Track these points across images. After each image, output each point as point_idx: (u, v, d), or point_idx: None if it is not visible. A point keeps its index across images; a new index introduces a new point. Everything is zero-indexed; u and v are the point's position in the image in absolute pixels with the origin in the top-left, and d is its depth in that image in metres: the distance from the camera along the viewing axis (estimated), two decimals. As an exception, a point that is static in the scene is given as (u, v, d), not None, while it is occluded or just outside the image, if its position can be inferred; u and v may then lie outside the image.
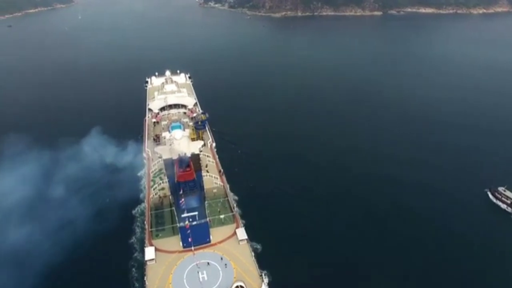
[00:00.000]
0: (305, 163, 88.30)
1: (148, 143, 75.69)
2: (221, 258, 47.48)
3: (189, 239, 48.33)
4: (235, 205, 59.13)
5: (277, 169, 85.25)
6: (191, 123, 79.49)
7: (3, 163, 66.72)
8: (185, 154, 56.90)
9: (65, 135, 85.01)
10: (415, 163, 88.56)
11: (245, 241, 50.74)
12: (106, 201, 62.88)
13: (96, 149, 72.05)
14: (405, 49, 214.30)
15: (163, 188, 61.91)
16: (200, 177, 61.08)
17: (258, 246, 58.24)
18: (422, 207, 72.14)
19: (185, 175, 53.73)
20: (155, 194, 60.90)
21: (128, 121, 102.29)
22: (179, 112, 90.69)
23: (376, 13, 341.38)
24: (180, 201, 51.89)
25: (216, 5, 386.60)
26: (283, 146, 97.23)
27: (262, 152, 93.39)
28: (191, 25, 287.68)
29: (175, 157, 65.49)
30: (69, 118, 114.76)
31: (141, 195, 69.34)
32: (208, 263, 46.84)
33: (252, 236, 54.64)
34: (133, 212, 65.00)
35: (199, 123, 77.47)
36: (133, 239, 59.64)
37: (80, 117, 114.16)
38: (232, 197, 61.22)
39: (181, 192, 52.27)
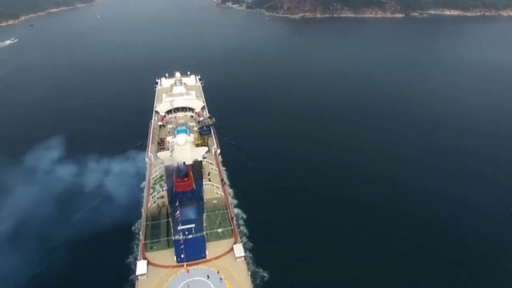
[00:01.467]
0: (324, 178, 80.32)
1: (151, 148, 73.74)
2: (216, 276, 44.58)
3: (182, 255, 45.66)
4: (235, 218, 56.05)
5: (288, 181, 78.70)
6: (195, 128, 76.97)
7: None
8: (183, 162, 54.23)
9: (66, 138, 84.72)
10: (437, 172, 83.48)
11: (242, 258, 47.60)
12: (103, 218, 57.65)
13: (98, 159, 69.58)
14: (429, 53, 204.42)
15: (162, 197, 59.50)
16: (200, 186, 58.52)
17: (264, 273, 53.28)
18: (442, 219, 68.02)
19: (182, 185, 51.20)
20: (154, 202, 58.60)
21: (135, 124, 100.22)
22: (186, 116, 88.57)
23: (397, 15, 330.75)
24: (176, 213, 49.29)
25: (234, 6, 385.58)
26: (296, 155, 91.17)
27: (272, 160, 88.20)
28: (208, 26, 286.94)
29: (180, 161, 63.58)
30: (74, 121, 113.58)
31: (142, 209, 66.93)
32: (201, 281, 44.05)
33: (255, 257, 52.23)
34: (133, 228, 59.92)
35: (205, 128, 74.94)
36: (130, 258, 53.95)
37: (86, 119, 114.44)
38: (232, 209, 58.26)
39: (177, 203, 49.66)
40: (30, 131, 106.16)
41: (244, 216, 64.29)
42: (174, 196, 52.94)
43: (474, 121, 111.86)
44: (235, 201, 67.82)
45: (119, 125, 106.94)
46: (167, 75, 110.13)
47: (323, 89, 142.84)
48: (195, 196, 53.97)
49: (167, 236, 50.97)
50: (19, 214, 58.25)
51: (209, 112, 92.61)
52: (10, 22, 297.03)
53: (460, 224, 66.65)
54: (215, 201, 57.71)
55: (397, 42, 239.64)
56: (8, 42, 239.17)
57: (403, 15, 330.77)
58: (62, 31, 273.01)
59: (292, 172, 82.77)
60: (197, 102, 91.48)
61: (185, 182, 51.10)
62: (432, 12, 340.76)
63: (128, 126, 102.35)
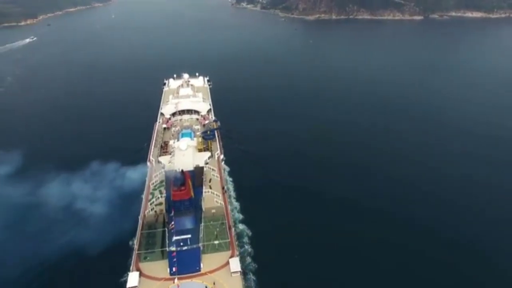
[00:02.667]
0: (344, 191, 74.33)
1: (153, 151, 72.10)
2: None
3: (174, 269, 43.56)
4: (233, 229, 53.52)
5: (299, 191, 73.66)
6: (198, 132, 75.00)
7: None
8: (181, 170, 52.09)
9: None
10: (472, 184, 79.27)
11: (238, 273, 45.11)
12: (98, 234, 53.91)
13: (98, 168, 67.64)
14: (450, 57, 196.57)
15: (161, 203, 57.52)
16: (199, 194, 56.42)
17: None
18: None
19: (179, 194, 49.15)
20: (151, 209, 56.76)
21: (141, 126, 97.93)
22: (191, 118, 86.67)
23: (416, 17, 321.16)
24: (170, 224, 47.26)
25: (248, 6, 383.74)
26: (307, 161, 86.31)
27: (282, 167, 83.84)
28: (221, 26, 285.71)
29: (178, 169, 61.69)
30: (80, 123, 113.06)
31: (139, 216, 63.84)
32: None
33: (256, 274, 49.43)
34: (130, 243, 54.44)
35: (208, 132, 73.07)
36: (125, 277, 47.49)
37: (94, 118, 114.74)
38: (231, 219, 55.73)
39: (171, 213, 47.62)
40: (40, 129, 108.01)
41: (249, 233, 60.44)
42: (171, 205, 51.10)
43: (506, 131, 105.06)
44: (240, 216, 64.18)
45: (126, 126, 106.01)
46: (175, 76, 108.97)
47: (338, 93, 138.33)
48: (193, 205, 51.88)
49: (162, 246, 48.99)
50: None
51: (215, 115, 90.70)
52: (29, 22, 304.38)
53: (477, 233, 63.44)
54: (213, 211, 55.31)
55: (416, 45, 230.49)
56: (27, 40, 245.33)
57: (422, 17, 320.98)
58: (77, 30, 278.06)
59: (304, 182, 77.72)
60: (203, 105, 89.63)
61: (182, 191, 49.01)
62: (453, 14, 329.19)
63: (134, 128, 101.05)
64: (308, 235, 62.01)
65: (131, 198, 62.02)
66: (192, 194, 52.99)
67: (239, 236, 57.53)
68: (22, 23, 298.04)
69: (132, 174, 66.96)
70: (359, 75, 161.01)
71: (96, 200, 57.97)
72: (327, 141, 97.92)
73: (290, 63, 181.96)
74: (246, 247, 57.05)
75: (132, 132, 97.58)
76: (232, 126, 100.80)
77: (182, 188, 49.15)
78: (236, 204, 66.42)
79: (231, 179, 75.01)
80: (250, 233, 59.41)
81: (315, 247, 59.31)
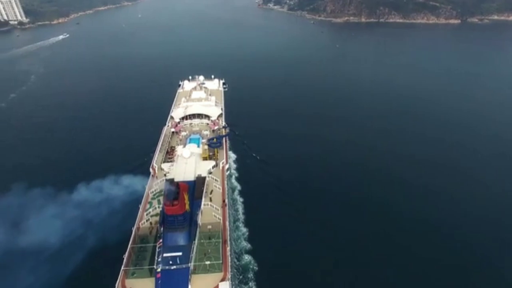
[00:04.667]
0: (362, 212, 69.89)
1: (158, 157, 69.20)
2: None
3: None
4: (229, 248, 49.29)
5: (310, 209, 68.90)
6: (204, 140, 71.49)
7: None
8: (176, 184, 48.44)
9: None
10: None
11: (227, 299, 41.02)
12: (89, 245, 51.86)
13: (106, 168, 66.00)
14: (491, 65, 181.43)
15: (157, 214, 54.19)
16: (197, 208, 52.75)
17: None
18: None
19: (172, 209, 45.64)
20: (147, 220, 53.70)
21: (154, 130, 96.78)
22: (201, 123, 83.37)
23: (453, 21, 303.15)
24: (158, 242, 43.85)
25: (275, 7, 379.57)
26: (323, 178, 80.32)
27: (300, 187, 77.88)
28: (245, 27, 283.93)
29: (179, 178, 58.49)
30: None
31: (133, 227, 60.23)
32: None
33: None
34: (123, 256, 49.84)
35: (215, 140, 69.32)
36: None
37: (108, 117, 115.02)
38: (228, 236, 51.46)
39: (161, 230, 44.16)
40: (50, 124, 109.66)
41: (255, 267, 56.13)
42: (164, 218, 47.80)
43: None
44: (247, 245, 59.81)
45: (139, 129, 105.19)
46: (190, 77, 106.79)
47: (364, 102, 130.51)
48: (187, 220, 48.14)
49: (151, 262, 45.69)
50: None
51: (228, 120, 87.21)
52: (60, 20, 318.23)
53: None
54: (209, 227, 51.21)
55: (453, 52, 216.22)
56: (61, 37, 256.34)
57: (459, 21, 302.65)
58: (103, 30, 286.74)
59: (319, 199, 72.42)
60: (215, 109, 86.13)
61: (174, 206, 45.41)
62: (495, 17, 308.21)
63: (145, 131, 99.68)
64: (319, 258, 56.91)
65: (131, 207, 59.81)
66: (188, 207, 49.30)
67: (243, 270, 53.52)
68: (55, 22, 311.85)
69: (135, 180, 64.77)
70: (388, 83, 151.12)
71: (92, 208, 55.73)
72: (355, 158, 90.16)
73: (313, 68, 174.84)
74: (251, 284, 53.09)
75: (143, 135, 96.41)
76: (245, 133, 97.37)
77: (175, 202, 45.53)
78: (244, 230, 62.32)
79: (241, 199, 71.66)
80: (256, 268, 54.95)
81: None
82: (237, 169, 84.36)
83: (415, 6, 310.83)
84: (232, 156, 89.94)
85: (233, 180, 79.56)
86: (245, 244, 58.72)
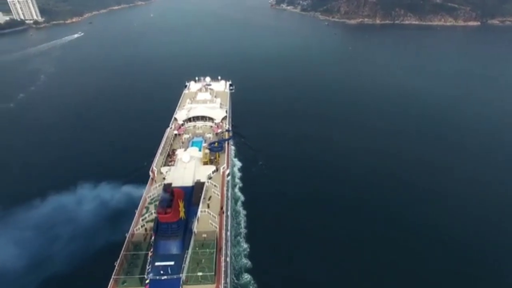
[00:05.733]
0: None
1: (158, 160, 67.76)
2: None
3: None
4: (223, 260, 47.26)
5: (319, 227, 64.02)
6: (205, 144, 69.77)
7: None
8: (170, 191, 46.71)
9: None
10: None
11: (218, 315, 38.96)
12: (82, 251, 50.64)
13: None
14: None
15: (153, 220, 52.89)
16: (193, 215, 50.87)
17: None
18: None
19: (165, 216, 43.97)
20: (142, 226, 52.14)
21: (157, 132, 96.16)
22: (205, 125, 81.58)
23: (472, 23, 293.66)
24: (150, 251, 42.24)
25: (288, 7, 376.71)
26: (336, 192, 75.24)
27: (304, 194, 74.45)
28: (257, 28, 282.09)
29: (178, 183, 56.95)
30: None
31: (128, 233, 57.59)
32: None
33: None
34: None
35: (216, 144, 67.48)
36: None
37: (114, 119, 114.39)
38: (224, 247, 49.39)
39: (151, 239, 42.52)
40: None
41: (252, 269, 53.86)
42: (158, 225, 46.23)
43: None
44: (248, 263, 56.68)
45: (143, 131, 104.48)
46: (197, 78, 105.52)
47: (377, 105, 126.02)
48: (182, 228, 46.39)
49: (142, 271, 44.10)
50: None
51: (234, 123, 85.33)
52: (74, 20, 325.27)
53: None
54: (204, 235, 49.18)
55: (472, 55, 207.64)
56: (76, 35, 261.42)
57: (478, 23, 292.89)
58: (115, 29, 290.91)
59: (330, 216, 67.50)
60: (219, 112, 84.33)
61: (167, 214, 43.72)
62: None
63: (149, 133, 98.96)
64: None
65: (129, 211, 58.51)
66: (183, 215, 47.55)
67: None
68: (68, 21, 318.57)
69: (134, 184, 63.71)
70: (402, 87, 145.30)
71: (87, 211, 54.80)
72: (370, 167, 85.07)
73: (323, 71, 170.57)
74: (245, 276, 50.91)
75: (148, 136, 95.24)
76: (252, 138, 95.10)
77: (168, 210, 43.83)
78: (245, 246, 59.45)
79: (244, 211, 68.60)
80: (250, 265, 53.04)
81: None
82: (241, 178, 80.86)
83: (432, 8, 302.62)
84: (237, 164, 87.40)
85: (237, 190, 76.49)
86: (245, 262, 55.86)
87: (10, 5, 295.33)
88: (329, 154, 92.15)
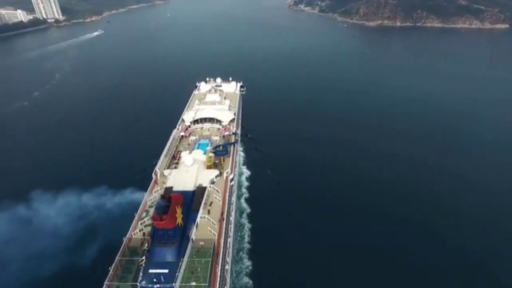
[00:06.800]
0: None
1: (162, 161, 66.44)
2: None
3: None
4: (220, 270, 45.19)
5: (331, 249, 58.92)
6: (209, 147, 68.03)
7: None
8: (167, 197, 45.12)
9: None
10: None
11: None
12: (77, 256, 49.49)
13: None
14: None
15: (151, 224, 51.56)
16: (191, 221, 49.18)
17: None
18: None
19: (160, 223, 42.43)
20: (140, 230, 50.82)
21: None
22: (212, 127, 79.91)
23: (499, 26, 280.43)
24: (141, 259, 40.74)
25: (306, 8, 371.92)
26: (353, 208, 70.32)
27: (316, 208, 70.05)
28: (273, 29, 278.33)
29: (179, 187, 55.51)
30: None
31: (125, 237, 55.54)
32: None
33: None
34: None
35: (221, 148, 65.61)
36: None
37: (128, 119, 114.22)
38: (222, 255, 47.37)
39: (145, 246, 41.00)
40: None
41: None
42: (154, 231, 44.82)
43: None
44: (249, 282, 53.77)
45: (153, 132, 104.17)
46: (207, 79, 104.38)
47: (395, 114, 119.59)
48: (178, 235, 44.81)
49: (135, 278, 42.70)
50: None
51: (243, 125, 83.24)
52: (93, 18, 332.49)
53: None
54: (202, 243, 47.26)
55: (501, 61, 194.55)
56: (95, 33, 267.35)
57: (507, 25, 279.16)
58: (132, 28, 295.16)
59: (345, 237, 62.67)
60: (227, 114, 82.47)
61: (163, 221, 42.13)
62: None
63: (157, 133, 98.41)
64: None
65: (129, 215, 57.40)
66: (180, 221, 45.91)
67: None
68: (88, 20, 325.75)
69: (137, 186, 62.70)
70: (422, 96, 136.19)
71: (86, 213, 54.03)
72: (392, 179, 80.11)
73: (340, 75, 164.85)
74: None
75: (156, 137, 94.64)
76: (262, 142, 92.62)
77: (164, 216, 42.26)
78: (248, 264, 56.46)
79: (249, 225, 65.64)
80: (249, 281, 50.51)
81: None
82: (248, 188, 77.43)
83: (457, 10, 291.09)
84: (246, 172, 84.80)
85: (243, 201, 73.75)
86: (247, 281, 53.19)
87: (34, 5, 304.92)
88: (346, 162, 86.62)
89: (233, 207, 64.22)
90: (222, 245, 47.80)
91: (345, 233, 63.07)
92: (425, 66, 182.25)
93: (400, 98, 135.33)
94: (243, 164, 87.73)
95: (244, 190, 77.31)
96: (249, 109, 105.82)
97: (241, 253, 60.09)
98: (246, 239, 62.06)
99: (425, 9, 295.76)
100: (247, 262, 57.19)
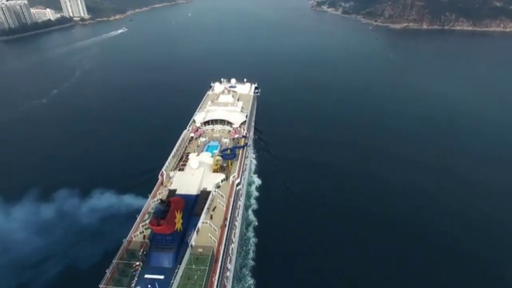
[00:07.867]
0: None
1: (170, 162, 65.46)
2: None
3: None
4: (217, 279, 43.38)
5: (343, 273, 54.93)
6: (216, 151, 66.41)
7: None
8: (166, 203, 43.79)
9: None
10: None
11: None
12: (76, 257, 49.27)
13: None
14: None
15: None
16: (192, 227, 47.73)
17: None
18: None
19: (158, 228, 41.17)
20: (141, 232, 49.71)
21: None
22: (223, 129, 78.37)
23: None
24: (135, 264, 39.62)
25: (329, 9, 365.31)
26: (371, 226, 65.25)
27: (330, 225, 65.43)
28: (295, 30, 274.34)
29: (182, 190, 54.32)
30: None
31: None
32: None
33: None
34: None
35: (228, 151, 63.91)
36: None
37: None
38: (221, 264, 45.52)
39: (141, 252, 39.88)
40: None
41: None
42: (153, 235, 43.75)
43: None
44: (251, 282, 52.04)
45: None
46: (222, 79, 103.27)
47: (419, 125, 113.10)
48: (177, 240, 43.58)
49: (130, 283, 41.60)
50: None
51: (256, 127, 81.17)
52: (117, 17, 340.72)
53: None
54: (200, 250, 45.53)
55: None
56: (118, 31, 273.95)
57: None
58: (154, 27, 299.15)
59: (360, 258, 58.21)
60: (238, 116, 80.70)
61: (160, 226, 40.86)
62: None
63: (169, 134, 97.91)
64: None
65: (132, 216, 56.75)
66: (180, 226, 44.62)
67: None
68: (111, 18, 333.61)
69: (143, 188, 61.92)
70: (452, 104, 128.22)
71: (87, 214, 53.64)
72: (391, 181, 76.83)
73: (359, 79, 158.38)
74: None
75: (168, 137, 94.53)
76: (276, 147, 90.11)
77: (161, 221, 40.97)
78: (250, 282, 53.77)
79: (255, 239, 62.64)
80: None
81: None
82: (257, 199, 73.95)
83: (490, 11, 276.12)
84: (256, 181, 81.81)
85: (250, 213, 70.99)
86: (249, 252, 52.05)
87: (61, 3, 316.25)
88: (369, 173, 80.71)
89: (239, 212, 62.37)
90: (221, 252, 45.96)
91: (366, 258, 57.17)
92: (453, 72, 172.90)
93: (424, 105, 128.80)
94: (254, 173, 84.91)
95: (253, 200, 74.04)
96: (264, 111, 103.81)
97: (244, 269, 57.21)
98: (251, 255, 58.88)
99: (455, 11, 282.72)
100: (250, 280, 54.21)
